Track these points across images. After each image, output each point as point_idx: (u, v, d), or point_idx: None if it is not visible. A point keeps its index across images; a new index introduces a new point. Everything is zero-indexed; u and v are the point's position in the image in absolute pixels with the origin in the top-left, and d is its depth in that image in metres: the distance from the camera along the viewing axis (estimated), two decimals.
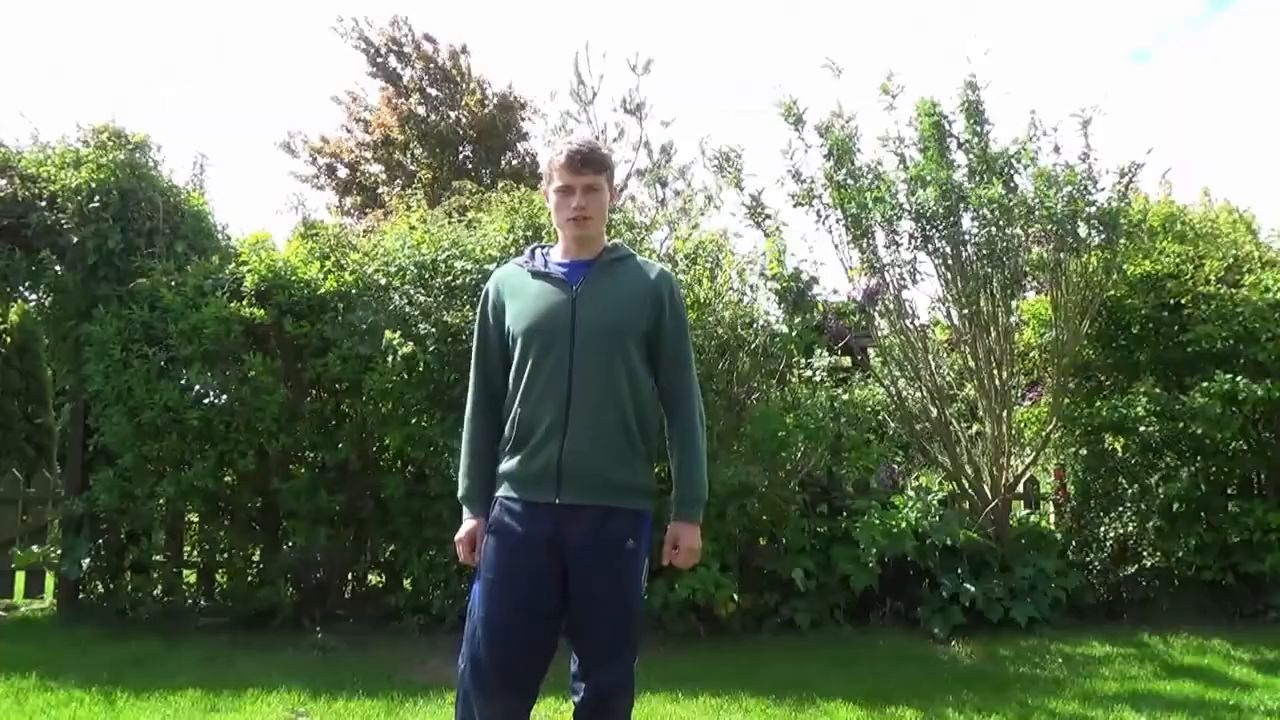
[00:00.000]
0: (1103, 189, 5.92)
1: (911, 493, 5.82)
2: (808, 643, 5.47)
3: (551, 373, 2.59)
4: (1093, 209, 5.88)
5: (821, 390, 5.74)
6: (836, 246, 6.24)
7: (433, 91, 17.11)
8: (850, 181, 6.05)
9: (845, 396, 5.91)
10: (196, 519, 6.15)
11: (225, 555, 6.00)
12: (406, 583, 5.82)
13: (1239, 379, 5.74)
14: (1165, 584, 6.25)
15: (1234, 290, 5.99)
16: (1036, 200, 5.83)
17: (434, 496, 5.49)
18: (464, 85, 16.95)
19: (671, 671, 4.72)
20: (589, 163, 2.64)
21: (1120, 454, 6.36)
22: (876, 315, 6.17)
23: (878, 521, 5.55)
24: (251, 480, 5.74)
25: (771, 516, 5.75)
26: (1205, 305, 6.00)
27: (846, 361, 6.49)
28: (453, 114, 16.79)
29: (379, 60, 17.16)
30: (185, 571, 6.19)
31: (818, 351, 5.90)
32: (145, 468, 5.59)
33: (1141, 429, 5.99)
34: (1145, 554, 6.22)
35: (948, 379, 6.65)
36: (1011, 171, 5.95)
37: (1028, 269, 6.19)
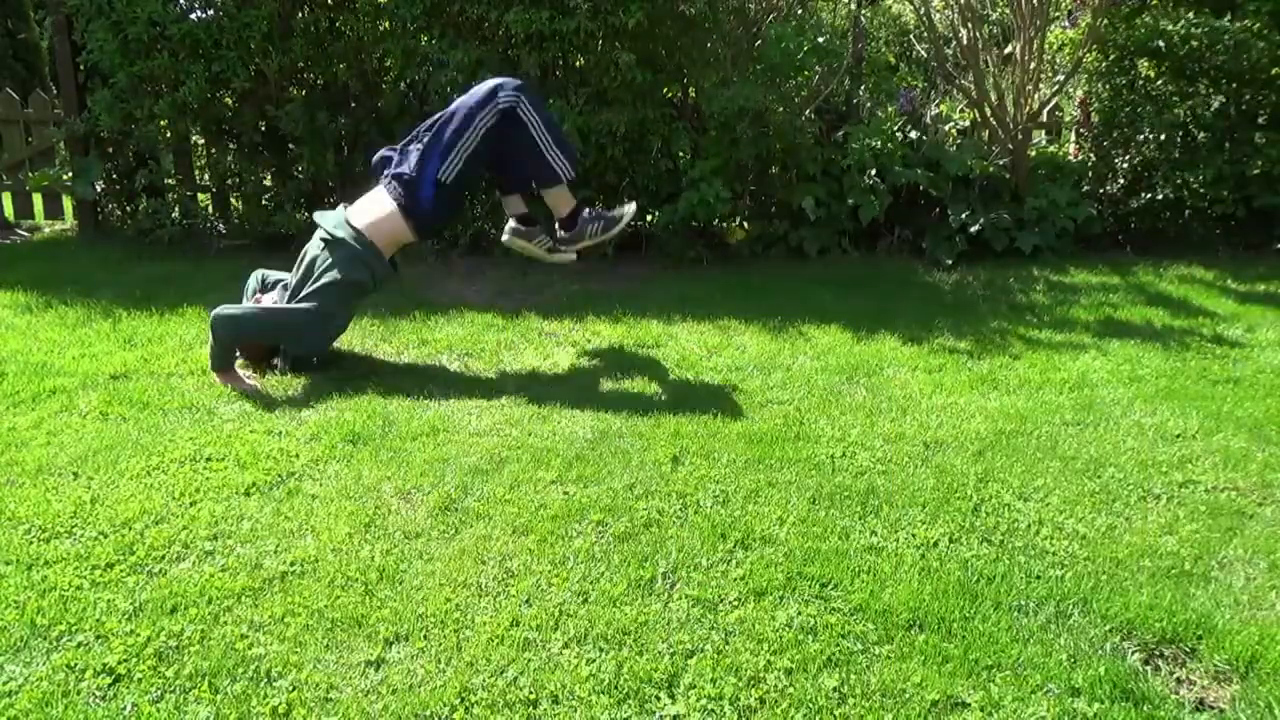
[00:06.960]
0: None
1: (929, 120, 5.63)
2: (813, 269, 5.56)
3: None
4: None
5: (843, 7, 5.36)
6: None
7: None
8: None
9: (868, 13, 5.53)
10: (204, 144, 6.07)
11: (236, 180, 6.01)
12: None
13: None
14: (1176, 216, 6.23)
15: None
16: None
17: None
18: None
19: (679, 293, 4.91)
20: None
21: (1152, 79, 6.05)
22: None
23: (863, 137, 5.40)
24: (251, 103, 5.59)
25: (784, 144, 5.62)
26: None
27: None
28: None
29: None
30: (200, 196, 6.22)
31: None
32: (141, 87, 5.44)
33: (1180, 53, 5.65)
34: (1160, 184, 6.14)
35: None
36: None
37: None
